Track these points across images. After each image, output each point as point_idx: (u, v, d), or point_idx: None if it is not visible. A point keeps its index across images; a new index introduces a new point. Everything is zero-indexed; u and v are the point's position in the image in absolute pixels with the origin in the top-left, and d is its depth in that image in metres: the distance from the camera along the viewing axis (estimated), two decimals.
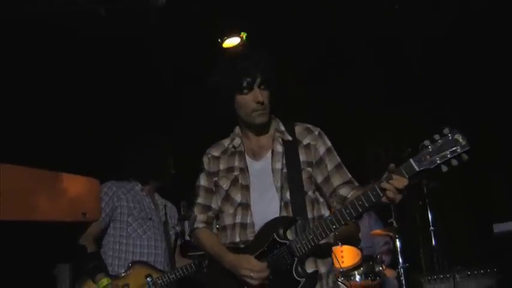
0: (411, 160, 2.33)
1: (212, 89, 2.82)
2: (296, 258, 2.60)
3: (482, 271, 4.53)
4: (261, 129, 2.86)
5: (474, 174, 5.84)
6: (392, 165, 2.36)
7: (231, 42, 5.97)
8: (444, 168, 2.29)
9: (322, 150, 2.81)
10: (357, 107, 6.27)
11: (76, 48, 5.16)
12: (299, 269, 2.61)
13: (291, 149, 2.80)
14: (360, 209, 2.44)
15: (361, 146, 6.92)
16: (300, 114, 3.13)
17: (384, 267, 5.11)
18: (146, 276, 3.93)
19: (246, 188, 2.82)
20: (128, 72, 5.59)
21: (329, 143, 2.85)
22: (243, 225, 2.79)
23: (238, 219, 2.81)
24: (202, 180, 2.98)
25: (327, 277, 2.75)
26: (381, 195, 2.37)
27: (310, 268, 2.67)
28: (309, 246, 2.57)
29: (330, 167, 2.78)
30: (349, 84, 6.14)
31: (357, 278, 5.01)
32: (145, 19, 4.86)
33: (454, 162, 2.27)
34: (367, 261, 5.08)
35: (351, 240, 5.10)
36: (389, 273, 5.25)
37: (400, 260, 4.86)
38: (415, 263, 5.52)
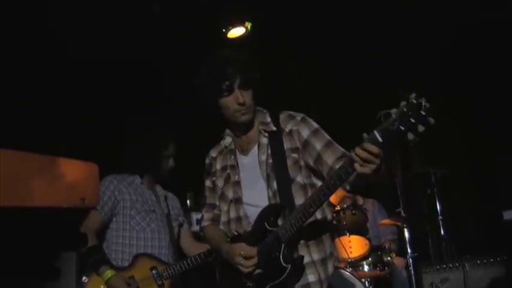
0: (375, 131, 2.21)
1: (196, 92, 2.89)
2: (283, 244, 2.61)
3: (492, 259, 4.48)
4: (247, 126, 2.92)
5: (482, 162, 5.79)
6: (364, 134, 2.26)
7: (236, 32, 5.92)
8: (411, 136, 2.14)
9: (305, 133, 2.80)
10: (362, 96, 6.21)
11: (79, 41, 5.13)
12: (287, 254, 2.61)
13: (275, 139, 2.85)
14: (333, 188, 2.42)
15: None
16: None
17: (393, 256, 5.08)
18: (151, 269, 3.93)
19: (237, 184, 2.93)
20: (133, 61, 5.56)
21: (314, 125, 2.84)
22: (238, 219, 2.90)
23: (232, 215, 2.93)
24: (206, 181, 3.13)
25: (322, 263, 2.75)
26: (349, 170, 2.30)
27: (301, 254, 2.70)
28: (292, 231, 2.58)
29: (318, 146, 2.76)
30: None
31: (365, 268, 4.99)
32: (149, 8, 4.84)
33: (421, 128, 2.12)
34: (375, 251, 5.06)
35: (359, 230, 5.06)
36: (398, 261, 5.21)
37: (409, 250, 4.83)
38: (424, 252, 5.47)
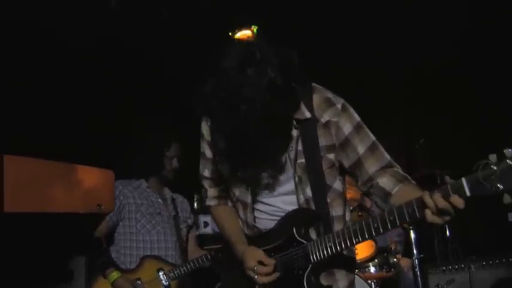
0: (464, 180, 1.77)
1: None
2: (310, 265, 2.22)
3: (497, 261, 4.49)
4: None
5: None
6: (447, 178, 1.85)
7: (242, 35, 5.96)
8: (507, 200, 1.70)
9: (347, 128, 2.27)
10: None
11: (85, 43, 5.16)
12: (312, 278, 2.22)
13: (308, 131, 2.26)
14: (390, 226, 1.97)
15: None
16: None
17: (399, 257, 5.09)
18: (158, 270, 3.98)
19: (245, 182, 2.36)
20: (140, 65, 5.59)
21: (357, 118, 2.31)
22: (248, 224, 2.43)
23: (241, 214, 2.45)
24: (206, 150, 2.49)
25: None
26: (417, 215, 1.89)
27: (325, 281, 2.31)
28: (325, 254, 2.18)
29: (361, 149, 2.26)
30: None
31: (372, 269, 4.99)
32: (157, 12, 4.86)
33: None
34: (381, 253, 5.06)
35: None
36: (405, 263, 5.23)
37: (415, 251, 4.84)
38: (430, 254, 5.48)
